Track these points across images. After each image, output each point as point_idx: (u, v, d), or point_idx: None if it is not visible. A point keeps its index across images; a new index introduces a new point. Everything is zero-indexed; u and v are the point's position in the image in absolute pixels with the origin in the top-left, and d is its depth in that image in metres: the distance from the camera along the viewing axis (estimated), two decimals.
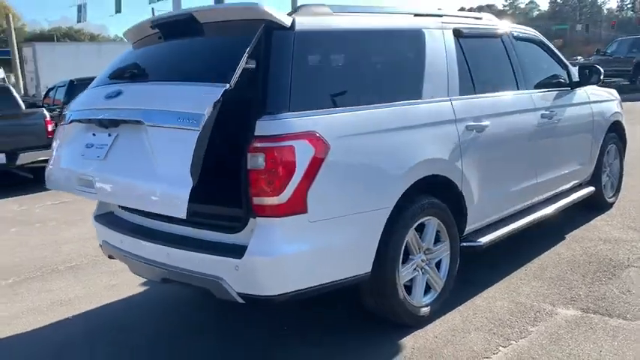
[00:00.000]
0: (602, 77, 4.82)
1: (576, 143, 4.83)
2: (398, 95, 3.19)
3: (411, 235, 3.20)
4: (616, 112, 5.47)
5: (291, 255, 2.63)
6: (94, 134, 3.04)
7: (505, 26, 4.31)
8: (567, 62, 4.92)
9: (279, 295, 2.64)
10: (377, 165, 2.94)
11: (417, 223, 3.23)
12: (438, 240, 3.45)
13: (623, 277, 3.85)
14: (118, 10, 31.78)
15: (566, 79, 4.84)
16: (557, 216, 4.60)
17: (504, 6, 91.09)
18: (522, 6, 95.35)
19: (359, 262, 2.92)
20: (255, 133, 2.56)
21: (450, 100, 3.48)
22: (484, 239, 3.75)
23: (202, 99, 2.46)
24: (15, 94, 9.27)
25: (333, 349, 3.10)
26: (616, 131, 5.59)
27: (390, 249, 3.05)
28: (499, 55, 4.16)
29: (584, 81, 4.82)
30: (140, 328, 3.54)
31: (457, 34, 3.73)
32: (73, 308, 3.89)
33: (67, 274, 4.64)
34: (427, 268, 3.38)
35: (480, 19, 4.23)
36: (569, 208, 4.84)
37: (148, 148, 2.65)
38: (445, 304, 3.49)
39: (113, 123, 2.90)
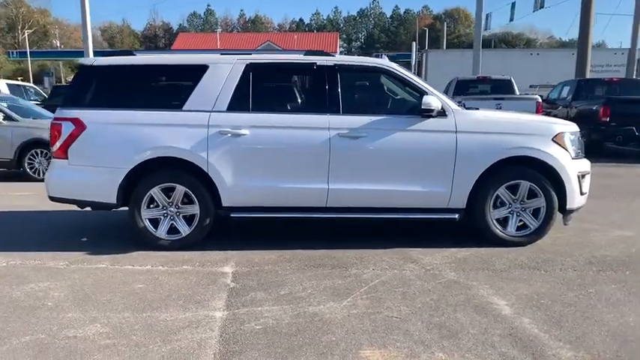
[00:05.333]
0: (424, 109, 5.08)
1: (413, 167, 5.19)
2: (160, 105, 5.23)
3: (155, 192, 5.22)
4: (524, 147, 5.22)
5: (57, 178, 5.28)
6: None
7: (327, 60, 5.29)
8: (429, 92, 5.26)
9: (53, 197, 5.33)
10: (118, 142, 5.15)
11: (162, 185, 5.21)
12: (192, 202, 5.27)
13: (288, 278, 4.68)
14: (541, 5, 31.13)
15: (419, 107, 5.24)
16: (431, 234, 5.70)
17: None
18: None
19: (105, 195, 5.22)
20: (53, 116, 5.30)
21: (210, 112, 5.17)
22: (236, 214, 5.26)
23: None
24: None
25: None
26: (542, 169, 5.28)
27: (133, 195, 5.22)
28: (301, 84, 5.31)
29: (424, 112, 5.15)
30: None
31: (250, 67, 5.27)
32: None
33: None
34: (175, 217, 5.28)
35: (305, 55, 5.41)
36: (451, 233, 5.66)
37: None
38: (202, 246, 5.28)
39: None
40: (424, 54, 33.03)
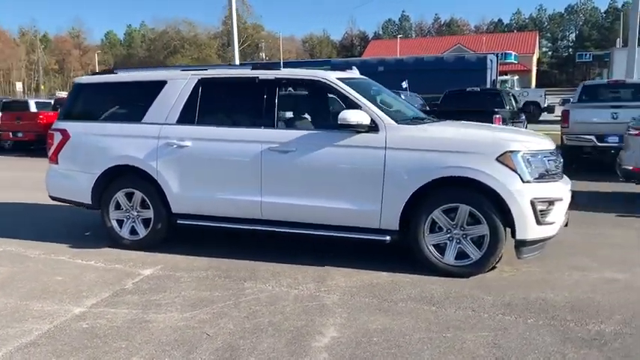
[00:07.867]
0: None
1: (341, 183, 4.96)
2: (126, 118, 5.82)
3: (119, 196, 5.83)
4: (457, 167, 4.66)
5: (52, 180, 6.19)
6: None
7: (268, 74, 5.35)
8: (362, 107, 4.98)
9: (51, 196, 6.26)
10: (92, 150, 5.86)
11: (123, 191, 5.81)
12: (148, 207, 5.77)
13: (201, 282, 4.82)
14: None
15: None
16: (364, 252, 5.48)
17: None
18: None
19: (83, 196, 5.98)
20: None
21: (161, 125, 5.60)
22: (182, 221, 5.61)
23: None
24: None
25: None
26: (484, 193, 4.69)
27: (103, 197, 5.90)
28: (244, 98, 5.47)
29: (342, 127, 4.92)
30: None
31: (200, 82, 5.59)
32: None
33: None
34: (135, 219, 5.83)
35: (251, 69, 5.52)
36: (385, 257, 5.36)
37: None
38: (160, 248, 5.77)
39: None
40: (610, 52, 29.37)
